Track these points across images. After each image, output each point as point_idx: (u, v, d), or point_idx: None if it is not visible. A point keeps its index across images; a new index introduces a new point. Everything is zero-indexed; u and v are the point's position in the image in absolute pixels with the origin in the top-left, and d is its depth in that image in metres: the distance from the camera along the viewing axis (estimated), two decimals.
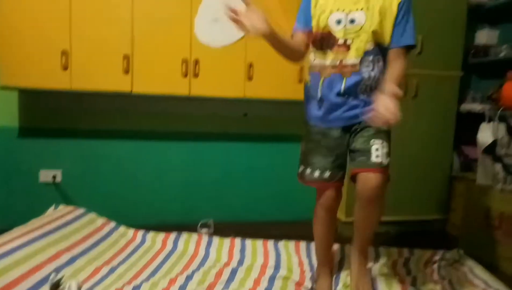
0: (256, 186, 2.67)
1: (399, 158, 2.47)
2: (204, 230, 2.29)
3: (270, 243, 1.98)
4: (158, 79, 2.21)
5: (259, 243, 1.97)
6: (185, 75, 2.24)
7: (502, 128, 2.20)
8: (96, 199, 2.44)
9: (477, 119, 2.41)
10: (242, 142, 2.64)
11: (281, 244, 1.97)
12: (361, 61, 1.33)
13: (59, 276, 1.45)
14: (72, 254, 1.62)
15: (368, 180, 1.31)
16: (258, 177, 2.67)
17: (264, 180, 2.68)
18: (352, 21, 1.31)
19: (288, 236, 2.07)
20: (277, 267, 1.74)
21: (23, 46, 2.04)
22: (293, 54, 1.40)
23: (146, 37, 2.18)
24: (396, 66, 1.35)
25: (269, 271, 1.69)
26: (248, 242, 1.98)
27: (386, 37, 1.34)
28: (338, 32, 1.33)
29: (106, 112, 2.45)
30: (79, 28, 2.09)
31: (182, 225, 2.37)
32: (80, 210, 2.03)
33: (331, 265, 1.65)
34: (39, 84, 2.08)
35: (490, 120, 2.34)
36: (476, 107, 2.53)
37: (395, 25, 1.33)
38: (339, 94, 1.36)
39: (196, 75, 2.25)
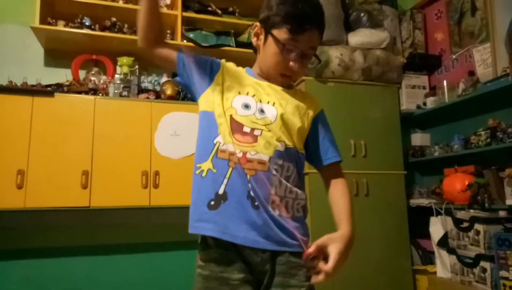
0: None
1: (360, 257, 2.51)
2: None
3: None
4: (118, 192, 2.24)
5: None
6: (146, 186, 2.29)
7: (449, 221, 2.34)
8: None
9: (428, 212, 2.57)
10: None
11: None
12: (269, 161, 1.01)
13: None
14: None
15: None
16: None
17: None
18: (261, 111, 1.06)
19: None
20: None
21: None
22: (151, 26, 1.06)
23: (106, 152, 2.26)
24: (341, 189, 1.15)
25: None
26: None
27: (300, 143, 1.10)
28: (243, 118, 1.04)
29: (62, 228, 2.39)
30: (38, 147, 2.15)
31: None
32: None
33: None
34: None
35: (438, 213, 2.50)
36: (424, 201, 2.71)
37: (319, 139, 1.15)
38: (248, 196, 0.99)
39: (156, 186, 2.31)
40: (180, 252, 2.53)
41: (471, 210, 2.23)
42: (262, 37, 1.10)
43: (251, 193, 0.99)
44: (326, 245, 0.98)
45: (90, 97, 2.33)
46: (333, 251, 0.97)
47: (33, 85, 2.28)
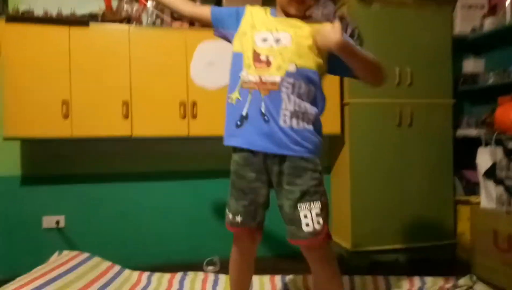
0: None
1: (402, 186, 2.50)
2: (210, 268, 2.25)
3: (277, 278, 1.94)
4: (157, 122, 2.27)
5: (266, 278, 1.93)
6: (184, 117, 2.30)
7: (499, 151, 2.22)
8: (100, 242, 2.42)
9: (475, 143, 2.45)
10: None
11: (289, 278, 1.93)
12: (282, 81, 1.24)
13: None
14: None
15: (306, 250, 1.31)
16: None
17: (269, 215, 2.66)
18: (277, 41, 1.28)
19: (295, 271, 2.03)
20: None
21: (26, 97, 2.12)
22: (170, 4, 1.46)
23: (144, 83, 2.26)
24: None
25: None
26: (255, 278, 1.94)
27: (312, 62, 1.28)
28: (262, 49, 1.28)
29: (107, 156, 2.50)
30: (79, 78, 2.17)
31: (188, 263, 2.35)
32: (85, 255, 2.01)
33: None
34: (41, 133, 2.14)
35: (487, 144, 2.38)
36: (472, 132, 2.57)
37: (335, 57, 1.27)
38: (261, 113, 1.26)
39: (194, 116, 2.32)
40: (218, 179, 2.61)
41: None
42: None
43: (262, 110, 1.25)
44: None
45: (124, 27, 2.28)
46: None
47: (68, 16, 2.25)
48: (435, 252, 2.54)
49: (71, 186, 2.44)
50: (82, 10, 2.32)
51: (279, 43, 1.26)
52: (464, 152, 2.60)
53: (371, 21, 2.45)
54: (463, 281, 1.84)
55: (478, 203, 2.32)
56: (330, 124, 2.47)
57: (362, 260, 2.42)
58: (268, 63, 1.25)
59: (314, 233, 1.24)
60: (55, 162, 2.43)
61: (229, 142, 1.35)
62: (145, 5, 2.44)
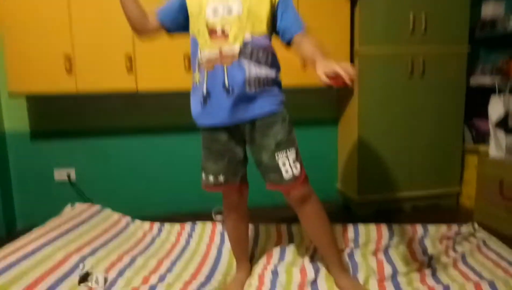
0: None
1: (410, 136, 2.47)
2: (218, 216, 2.33)
3: (283, 227, 2.00)
4: (161, 75, 2.23)
5: (272, 227, 1.99)
6: (189, 69, 2.26)
7: None
8: (111, 194, 2.51)
9: (488, 92, 2.37)
10: None
11: (295, 227, 1.99)
12: (241, 51, 1.26)
13: (86, 268, 1.50)
14: (93, 247, 1.66)
15: (289, 195, 1.38)
16: None
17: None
18: (229, 11, 1.27)
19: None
20: (289, 250, 1.76)
21: (28, 53, 2.09)
22: (135, 21, 1.35)
23: None
24: (308, 40, 1.29)
25: (275, 257, 1.72)
26: (262, 227, 2.00)
27: (264, 26, 1.29)
28: (215, 22, 1.27)
29: (114, 111, 2.50)
30: (80, 32, 2.12)
31: (197, 212, 2.43)
32: (96, 207, 2.08)
33: (248, 259, 1.66)
34: (45, 89, 2.13)
35: (500, 92, 2.30)
36: (486, 80, 2.48)
37: (283, 14, 1.31)
38: (224, 86, 1.27)
39: None
40: None
41: None
42: None
43: (226, 82, 1.27)
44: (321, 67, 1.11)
45: None
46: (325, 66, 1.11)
47: None
48: (440, 199, 2.58)
49: (80, 140, 2.48)
50: None
51: (231, 13, 1.27)
52: (477, 101, 2.53)
53: None
54: (465, 228, 1.88)
55: (486, 152, 2.30)
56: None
57: (368, 209, 2.47)
58: (225, 34, 1.27)
59: (294, 178, 1.34)
60: (62, 117, 2.45)
61: (201, 122, 1.38)
62: None
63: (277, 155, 1.33)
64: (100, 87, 2.18)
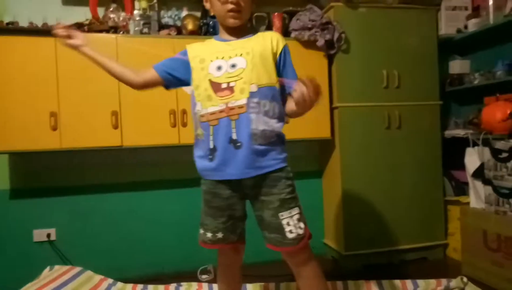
0: (255, 229, 2.64)
1: (392, 188, 2.52)
2: (205, 277, 2.24)
3: (271, 286, 1.94)
4: (147, 131, 2.25)
5: (259, 287, 1.94)
6: (174, 125, 2.29)
7: (486, 151, 2.26)
8: (92, 254, 2.40)
9: (463, 143, 2.48)
10: None
11: (283, 285, 1.94)
12: (247, 103, 1.26)
13: None
14: None
15: (291, 256, 1.33)
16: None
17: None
18: (233, 66, 1.30)
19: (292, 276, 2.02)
20: None
21: (13, 111, 2.09)
22: (121, 79, 1.44)
23: (132, 92, 2.17)
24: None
25: None
26: (249, 286, 1.94)
27: (270, 77, 1.31)
28: (219, 77, 1.29)
29: (97, 167, 2.48)
30: (66, 90, 2.15)
31: (182, 272, 2.35)
32: (77, 269, 1.99)
33: None
34: (29, 146, 2.11)
35: (474, 144, 2.41)
36: (460, 132, 2.61)
37: (284, 69, 1.35)
38: (231, 140, 1.26)
39: (184, 124, 2.31)
40: None
41: (511, 140, 2.13)
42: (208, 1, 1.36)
43: (233, 137, 1.25)
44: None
45: (111, 36, 2.26)
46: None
47: (54, 26, 2.22)
48: (427, 252, 2.57)
49: (61, 198, 2.42)
50: (68, 20, 2.28)
51: (235, 68, 1.29)
52: (453, 153, 2.63)
53: (358, 24, 2.47)
54: (454, 283, 1.87)
55: (468, 203, 2.35)
56: (320, 128, 2.49)
57: (355, 263, 2.44)
58: (230, 89, 1.27)
59: (298, 238, 1.29)
60: (44, 175, 2.41)
61: (208, 177, 1.35)
62: (132, 14, 2.43)
63: (281, 215, 1.28)
64: (85, 144, 2.18)
